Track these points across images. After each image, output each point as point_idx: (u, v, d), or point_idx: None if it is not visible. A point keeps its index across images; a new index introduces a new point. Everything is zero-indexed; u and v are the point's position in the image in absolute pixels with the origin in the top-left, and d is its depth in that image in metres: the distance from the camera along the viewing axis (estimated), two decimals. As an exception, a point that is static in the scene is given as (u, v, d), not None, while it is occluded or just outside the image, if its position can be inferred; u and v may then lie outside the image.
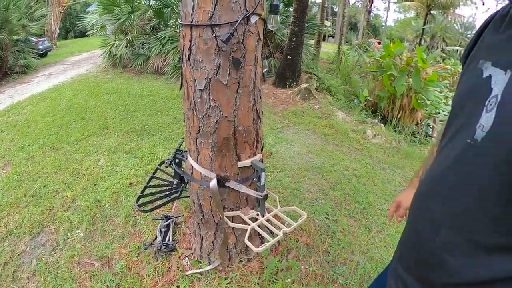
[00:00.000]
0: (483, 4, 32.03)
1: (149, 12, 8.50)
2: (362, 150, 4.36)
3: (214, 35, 1.45)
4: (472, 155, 0.62)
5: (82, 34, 19.68)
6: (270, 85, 7.35)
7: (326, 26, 18.99)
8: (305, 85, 6.68)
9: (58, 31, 16.33)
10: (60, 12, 15.92)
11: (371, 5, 22.25)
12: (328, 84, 7.64)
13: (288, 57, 7.10)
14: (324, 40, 26.23)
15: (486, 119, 0.60)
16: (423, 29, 20.00)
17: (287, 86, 7.14)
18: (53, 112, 5.41)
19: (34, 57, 10.29)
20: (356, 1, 42.54)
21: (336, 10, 35.93)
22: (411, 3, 21.15)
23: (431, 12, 20.02)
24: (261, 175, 1.74)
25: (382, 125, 5.57)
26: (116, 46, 8.70)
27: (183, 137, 2.47)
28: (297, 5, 6.75)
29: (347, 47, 14.06)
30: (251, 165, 1.79)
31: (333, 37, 34.15)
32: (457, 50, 15.92)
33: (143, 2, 8.70)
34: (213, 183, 1.71)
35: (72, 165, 3.56)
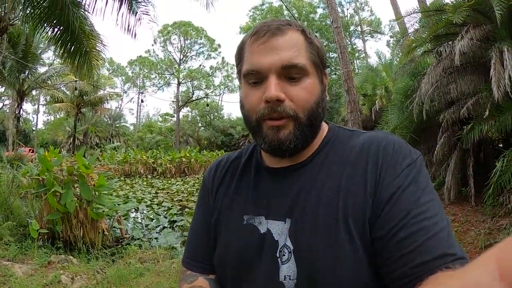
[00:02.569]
0: (142, 101, 39.43)
1: None
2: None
3: None
4: None
5: None
6: None
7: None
8: None
9: None
10: None
11: (19, 110, 19.86)
12: (-16, 226, 5.69)
13: None
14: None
15: (289, 269, 0.61)
16: (75, 128, 20.45)
17: None
18: None
19: None
20: (3, 106, 37.02)
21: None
22: (61, 104, 21.01)
23: (81, 110, 20.87)
24: None
25: (73, 258, 4.70)
26: None
27: None
28: None
29: (-3, 165, 11.58)
30: None
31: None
32: (115, 147, 17.42)
33: None
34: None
35: None
